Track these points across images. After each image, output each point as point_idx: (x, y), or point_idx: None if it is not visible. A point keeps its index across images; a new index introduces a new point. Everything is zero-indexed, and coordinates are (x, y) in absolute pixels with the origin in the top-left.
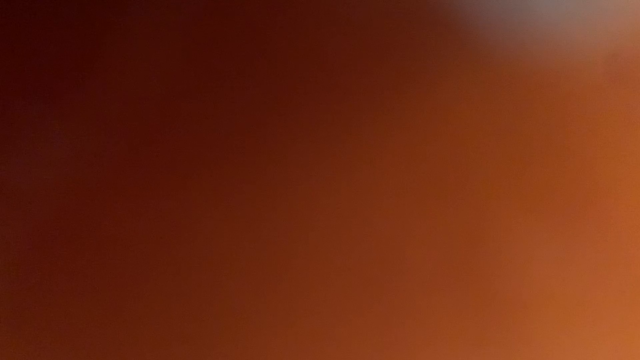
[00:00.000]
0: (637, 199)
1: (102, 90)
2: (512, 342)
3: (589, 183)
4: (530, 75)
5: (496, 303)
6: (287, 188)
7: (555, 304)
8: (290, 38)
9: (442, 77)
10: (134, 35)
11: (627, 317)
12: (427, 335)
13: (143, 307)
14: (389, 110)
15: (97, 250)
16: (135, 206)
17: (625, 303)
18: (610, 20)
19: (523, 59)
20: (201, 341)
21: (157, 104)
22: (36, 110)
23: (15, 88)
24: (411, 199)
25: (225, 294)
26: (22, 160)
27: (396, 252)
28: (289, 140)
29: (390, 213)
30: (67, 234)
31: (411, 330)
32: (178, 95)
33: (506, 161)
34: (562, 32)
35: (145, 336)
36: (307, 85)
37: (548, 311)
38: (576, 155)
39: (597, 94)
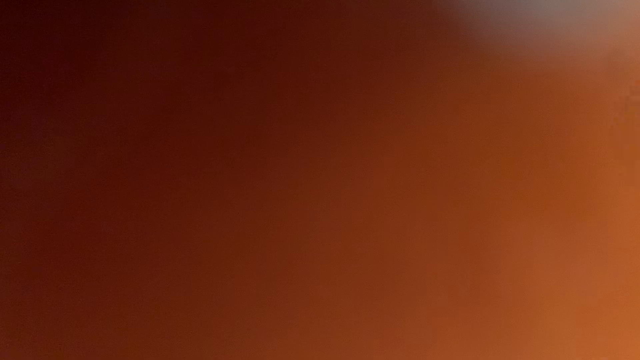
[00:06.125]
0: (637, 199)
1: (102, 90)
2: (514, 341)
3: (590, 183)
4: (531, 75)
5: (498, 303)
6: (287, 189)
7: (556, 304)
8: (290, 38)
9: (442, 77)
10: (134, 35)
11: (627, 317)
12: (429, 335)
13: (144, 307)
14: (389, 110)
15: (97, 249)
16: (135, 206)
17: (626, 303)
18: (610, 20)
19: (523, 59)
20: (202, 341)
21: (157, 103)
22: (36, 110)
23: (15, 88)
24: (412, 199)
25: (226, 294)
26: (22, 160)
27: (397, 252)
28: (289, 141)
29: (391, 213)
30: (67, 233)
31: (413, 330)
32: (178, 95)
33: (506, 161)
34: (563, 32)
35: (145, 336)
36: (308, 85)
37: (549, 311)
38: (577, 155)
39: (597, 94)
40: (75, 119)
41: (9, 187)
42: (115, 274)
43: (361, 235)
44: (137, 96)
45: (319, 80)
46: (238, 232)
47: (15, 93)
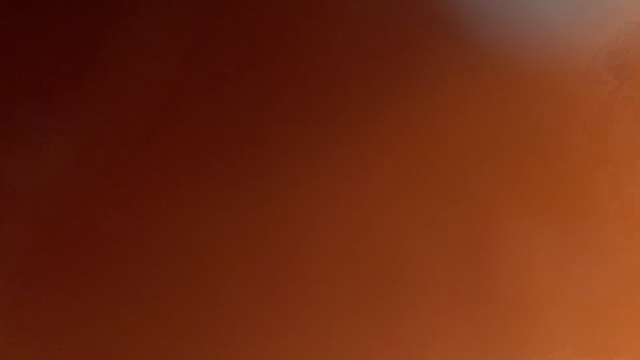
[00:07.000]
0: (637, 199)
1: (102, 90)
2: (514, 341)
3: (590, 183)
4: (531, 75)
5: (498, 303)
6: (287, 188)
7: (556, 304)
8: (290, 38)
9: (442, 77)
10: (134, 35)
11: (627, 317)
12: (429, 335)
13: (144, 307)
14: (389, 110)
15: (97, 249)
16: (135, 206)
17: (626, 303)
18: (610, 20)
19: (523, 59)
20: (202, 341)
21: (157, 103)
22: (36, 110)
23: (15, 88)
24: (412, 199)
25: (226, 294)
26: (22, 160)
27: (397, 252)
28: (289, 141)
29: (391, 213)
30: (67, 233)
31: (413, 330)
32: (178, 95)
33: (506, 161)
34: (563, 32)
35: (145, 336)
36: (308, 85)
37: (549, 311)
38: (576, 155)
39: (597, 94)
40: (75, 119)
41: (9, 187)
42: (115, 274)
43: (361, 235)
44: (137, 96)
45: (319, 80)
46: (238, 232)
47: (15, 93)
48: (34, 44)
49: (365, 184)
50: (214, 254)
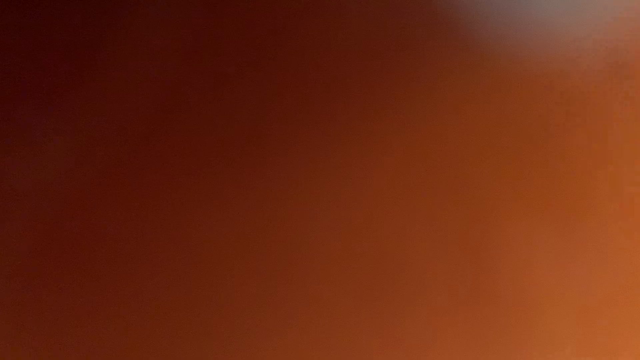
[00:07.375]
0: (637, 199)
1: (102, 90)
2: (514, 341)
3: (590, 183)
4: (531, 75)
5: (498, 303)
6: (287, 188)
7: (556, 304)
8: (290, 38)
9: (442, 77)
10: (134, 35)
11: (627, 317)
12: (429, 335)
13: (144, 307)
14: (389, 110)
15: (97, 249)
16: (135, 206)
17: (626, 303)
18: (610, 20)
19: (523, 59)
20: (202, 341)
21: (157, 103)
22: (36, 110)
23: (15, 88)
24: (412, 199)
25: (226, 294)
26: (22, 160)
27: (397, 252)
28: (289, 141)
29: (391, 213)
30: (67, 233)
31: (413, 330)
32: (178, 95)
33: (507, 161)
34: (563, 32)
35: (145, 336)
36: (308, 85)
37: (549, 311)
38: (577, 155)
39: (597, 94)
40: (75, 119)
41: (9, 187)
42: (115, 274)
43: (361, 235)
44: (137, 96)
45: (319, 80)
46: (238, 232)
47: (15, 93)
48: (34, 44)
49: (365, 184)
50: (214, 254)
